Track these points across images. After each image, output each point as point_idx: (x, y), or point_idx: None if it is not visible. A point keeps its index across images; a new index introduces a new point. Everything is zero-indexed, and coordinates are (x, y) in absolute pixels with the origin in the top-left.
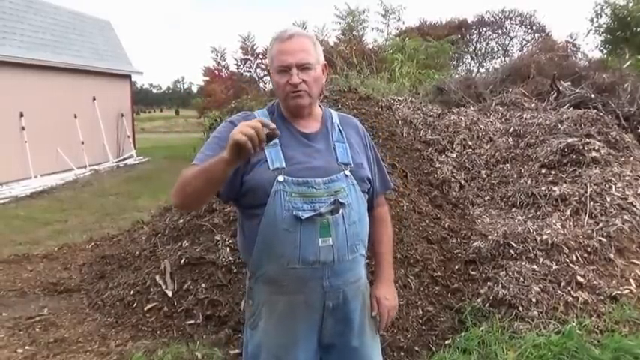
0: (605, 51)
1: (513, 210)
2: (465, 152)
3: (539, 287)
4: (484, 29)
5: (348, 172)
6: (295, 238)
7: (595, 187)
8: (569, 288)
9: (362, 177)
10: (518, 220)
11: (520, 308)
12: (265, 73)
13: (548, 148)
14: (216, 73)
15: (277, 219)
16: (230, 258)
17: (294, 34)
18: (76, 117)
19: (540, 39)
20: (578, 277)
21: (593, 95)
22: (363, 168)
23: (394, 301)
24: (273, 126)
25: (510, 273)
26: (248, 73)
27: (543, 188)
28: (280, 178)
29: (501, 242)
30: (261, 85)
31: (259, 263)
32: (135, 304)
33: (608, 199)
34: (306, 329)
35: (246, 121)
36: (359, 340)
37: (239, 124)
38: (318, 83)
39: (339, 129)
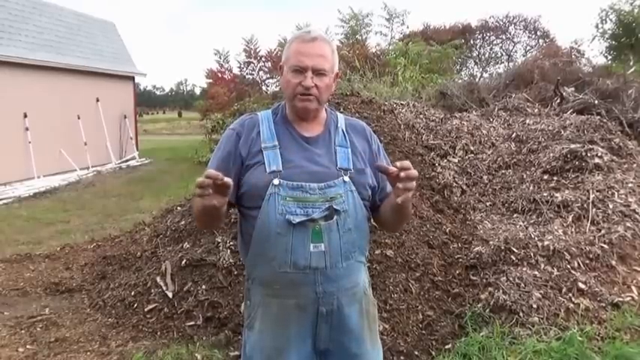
0: (609, 57)
1: (515, 215)
2: (467, 157)
3: (540, 293)
4: (488, 34)
5: (347, 178)
6: (287, 242)
7: (597, 194)
8: (571, 294)
9: (362, 183)
10: (520, 225)
11: (521, 314)
12: (268, 76)
13: (551, 154)
14: (219, 75)
15: (271, 222)
16: (231, 260)
17: (317, 37)
18: (79, 118)
19: (544, 44)
20: (580, 284)
21: (596, 101)
22: (364, 174)
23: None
24: (221, 177)
25: (511, 279)
26: (251, 76)
27: (545, 194)
28: (275, 182)
29: (502, 248)
30: (264, 87)
31: (254, 265)
32: (135, 305)
33: (611, 206)
34: (298, 333)
35: (200, 180)
36: (357, 348)
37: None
38: (328, 91)
39: (344, 133)
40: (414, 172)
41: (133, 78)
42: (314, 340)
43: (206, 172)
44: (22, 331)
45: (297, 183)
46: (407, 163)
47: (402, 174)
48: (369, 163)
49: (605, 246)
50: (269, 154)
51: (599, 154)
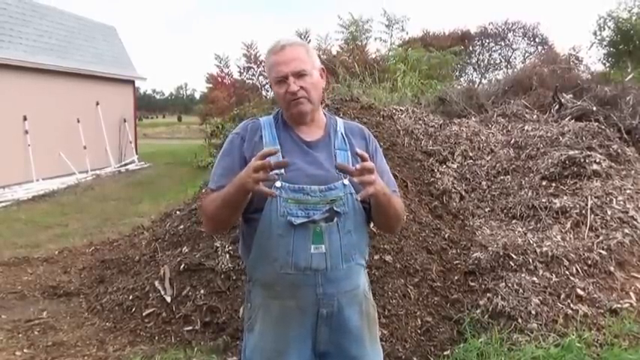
0: (607, 64)
1: (514, 221)
2: (465, 163)
3: (539, 299)
4: (487, 40)
5: (346, 181)
6: (288, 243)
7: (596, 200)
8: (569, 301)
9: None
10: (519, 231)
11: (519, 320)
12: (267, 81)
13: (549, 160)
14: (220, 80)
15: (272, 224)
16: (229, 265)
17: (286, 44)
18: (79, 121)
19: (543, 51)
20: (578, 290)
21: (595, 108)
22: None
23: (380, 181)
24: (274, 150)
25: (510, 285)
26: (251, 81)
27: (544, 200)
28: (278, 184)
29: (501, 254)
30: (264, 92)
31: (255, 267)
32: (134, 310)
33: (609, 212)
34: (299, 335)
35: (251, 166)
36: (357, 350)
37: (247, 169)
38: (317, 88)
39: (343, 136)
40: (368, 164)
41: (133, 82)
42: (314, 342)
43: (261, 155)
44: (20, 335)
45: (299, 185)
46: (365, 156)
47: (358, 166)
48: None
49: (604, 252)
50: (271, 157)
51: (598, 161)
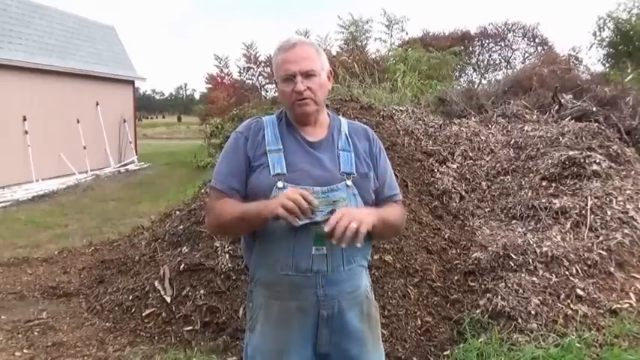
0: (607, 64)
1: (513, 222)
2: (465, 163)
3: (539, 300)
4: (487, 41)
5: (349, 182)
6: (289, 244)
7: (596, 201)
8: (569, 301)
9: (365, 187)
10: (519, 232)
11: (519, 320)
12: (267, 81)
13: (549, 161)
14: (219, 80)
15: (274, 224)
16: (229, 265)
17: (297, 42)
18: (78, 122)
19: (543, 51)
20: (578, 290)
21: (594, 108)
22: (367, 178)
23: (362, 215)
24: (315, 203)
25: (510, 285)
26: (250, 81)
27: (544, 200)
28: (279, 184)
29: (501, 254)
30: (263, 93)
31: (257, 267)
32: (133, 310)
33: (609, 213)
34: (299, 337)
35: (289, 192)
36: (358, 352)
37: (282, 195)
38: (323, 90)
39: (347, 137)
40: (343, 223)
41: (132, 82)
42: (315, 344)
43: (301, 193)
44: (19, 336)
45: (301, 186)
46: (337, 216)
47: (339, 231)
48: (372, 165)
49: (604, 252)
50: (273, 157)
51: (598, 161)
